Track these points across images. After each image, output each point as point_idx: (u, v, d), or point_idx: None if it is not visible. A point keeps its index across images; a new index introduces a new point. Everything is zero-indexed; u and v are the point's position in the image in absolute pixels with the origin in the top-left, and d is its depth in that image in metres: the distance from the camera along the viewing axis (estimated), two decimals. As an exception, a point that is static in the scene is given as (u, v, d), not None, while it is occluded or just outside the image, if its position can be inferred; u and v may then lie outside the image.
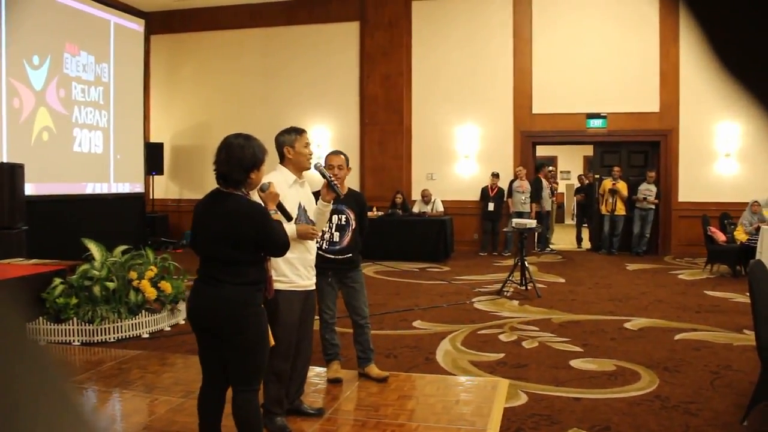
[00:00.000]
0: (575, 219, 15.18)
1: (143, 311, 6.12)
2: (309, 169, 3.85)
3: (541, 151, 14.67)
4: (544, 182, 13.31)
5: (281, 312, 3.54)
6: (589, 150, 15.25)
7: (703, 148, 12.04)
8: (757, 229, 9.41)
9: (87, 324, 5.82)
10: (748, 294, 4.03)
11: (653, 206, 12.12)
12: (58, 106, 10.59)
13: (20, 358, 0.41)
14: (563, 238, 15.07)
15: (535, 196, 12.58)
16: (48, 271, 6.27)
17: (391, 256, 11.08)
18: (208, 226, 3.03)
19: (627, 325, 6.53)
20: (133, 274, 6.19)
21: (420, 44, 13.04)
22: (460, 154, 12.95)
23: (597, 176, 13.12)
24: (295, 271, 3.68)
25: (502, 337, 6.03)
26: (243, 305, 2.95)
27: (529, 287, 8.24)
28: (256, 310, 3.00)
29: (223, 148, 3.05)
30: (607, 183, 12.34)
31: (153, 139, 14.15)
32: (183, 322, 6.45)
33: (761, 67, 0.53)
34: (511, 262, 9.63)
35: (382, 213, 11.89)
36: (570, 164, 21.41)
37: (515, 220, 9.15)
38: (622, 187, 12.23)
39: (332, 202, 3.84)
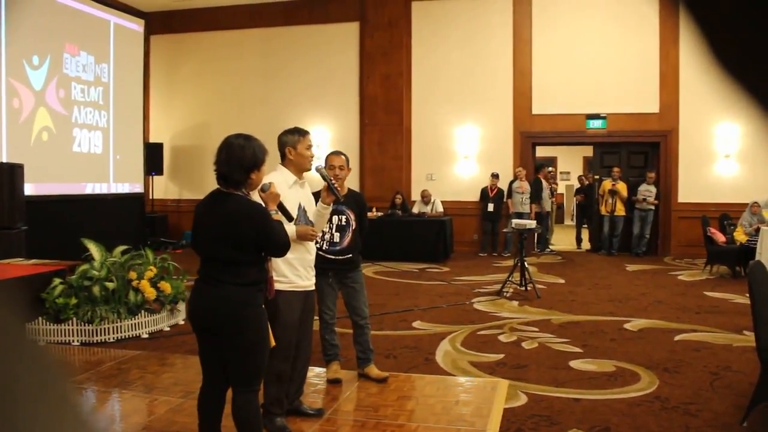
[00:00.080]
0: (575, 220, 15.17)
1: (143, 311, 6.12)
2: (309, 170, 3.85)
3: (541, 151, 14.67)
4: (544, 183, 13.31)
5: (281, 312, 3.54)
6: (588, 151, 15.25)
7: (703, 149, 12.04)
8: (757, 230, 9.41)
9: (86, 324, 5.82)
10: (747, 295, 4.03)
11: (653, 207, 12.12)
12: (58, 106, 10.59)
13: (19, 358, 0.41)
14: (563, 239, 15.07)
15: (535, 196, 12.59)
16: (47, 271, 6.27)
17: (390, 257, 11.08)
18: (208, 227, 3.03)
19: (627, 325, 6.52)
20: (133, 275, 6.19)
21: (420, 45, 13.04)
22: (459, 155, 12.95)
23: (597, 177, 13.12)
24: (294, 271, 3.68)
25: (502, 338, 6.03)
26: (243, 305, 2.95)
27: (528, 288, 8.24)
28: (256, 310, 3.00)
29: (223, 148, 3.05)
30: (607, 184, 12.34)
31: (152, 140, 14.15)
32: (182, 322, 6.45)
33: (761, 67, 0.52)
34: (510, 262, 9.63)
35: (382, 213, 11.89)
36: (570, 165, 21.41)
37: (515, 221, 9.15)
38: (622, 187, 12.24)
39: (332, 204, 3.85)
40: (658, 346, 5.71)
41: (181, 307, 6.52)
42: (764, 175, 11.53)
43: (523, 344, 5.80)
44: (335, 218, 4.47)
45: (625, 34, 12.15)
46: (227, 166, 3.00)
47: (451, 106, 12.86)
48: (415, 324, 6.59)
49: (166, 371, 5.06)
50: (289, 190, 3.64)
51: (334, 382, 4.64)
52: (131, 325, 6.00)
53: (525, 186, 12.27)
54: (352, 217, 4.54)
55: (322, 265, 4.22)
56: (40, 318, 5.84)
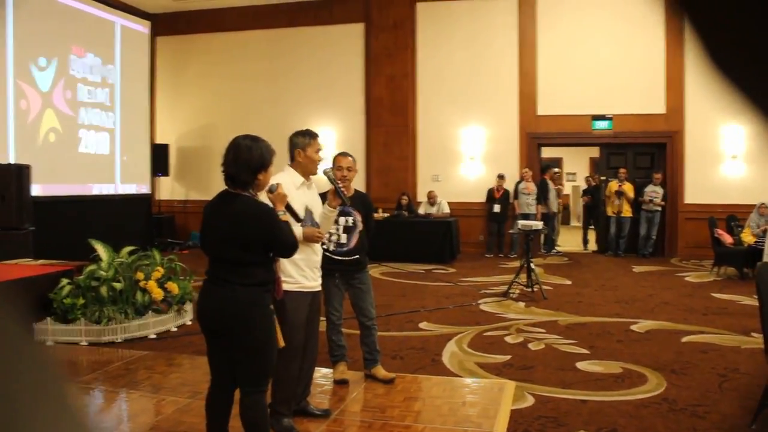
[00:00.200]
0: (581, 221, 15.15)
1: (150, 312, 6.13)
2: (316, 173, 3.86)
3: (547, 152, 14.64)
4: (550, 184, 13.29)
5: (288, 312, 3.54)
6: (595, 152, 15.21)
7: (710, 150, 12.00)
8: (765, 231, 9.38)
9: (94, 324, 5.84)
10: (755, 296, 4.01)
11: (659, 208, 12.08)
12: (65, 107, 10.63)
13: (18, 358, 0.41)
14: (569, 240, 15.05)
15: (542, 197, 12.57)
16: (55, 271, 6.29)
17: (396, 258, 11.08)
18: (216, 227, 3.04)
19: (634, 327, 6.51)
20: (140, 275, 6.20)
21: (425, 46, 13.04)
22: (465, 156, 12.94)
23: (603, 178, 13.09)
24: (300, 272, 3.69)
25: (509, 339, 6.02)
26: (251, 306, 2.96)
27: (535, 289, 8.23)
28: (264, 310, 3.01)
29: (231, 149, 3.06)
30: (613, 185, 12.31)
31: (159, 141, 14.18)
32: (190, 322, 6.47)
33: (758, 71, 0.52)
34: (517, 263, 9.61)
35: (388, 214, 11.88)
36: (576, 166, 21.37)
37: (521, 222, 9.14)
38: (629, 188, 12.21)
39: (338, 207, 3.85)
40: (665, 348, 5.69)
41: (189, 307, 6.53)
42: (771, 176, 11.51)
43: (530, 345, 5.79)
44: (342, 219, 4.47)
45: (631, 34, 12.13)
46: (235, 166, 3.01)
47: (456, 107, 12.86)
48: (422, 325, 6.59)
49: (174, 371, 5.08)
50: (296, 191, 3.65)
51: (340, 383, 4.64)
52: (139, 325, 6.02)
53: (531, 187, 12.25)
54: (358, 218, 4.54)
55: (329, 266, 4.22)
56: (47, 318, 5.86)
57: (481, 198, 12.64)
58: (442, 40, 12.95)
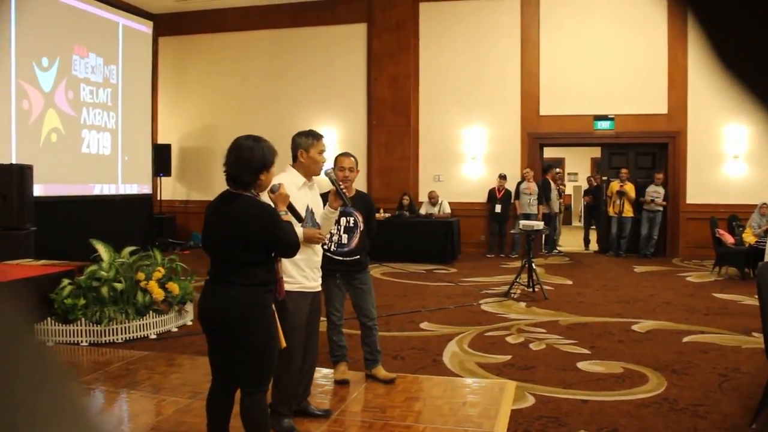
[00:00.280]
0: (583, 221, 15.14)
1: (151, 312, 6.13)
2: (319, 175, 3.86)
3: (549, 152, 14.63)
4: (552, 184, 13.29)
5: (288, 313, 3.54)
6: (596, 152, 15.21)
7: (712, 150, 12.00)
8: (766, 231, 9.37)
9: (95, 325, 5.84)
10: (756, 296, 4.01)
11: (661, 208, 12.08)
12: (67, 107, 10.64)
13: (22, 357, 0.41)
14: (571, 240, 15.04)
15: (544, 197, 12.58)
16: (56, 271, 6.30)
17: (398, 258, 11.08)
18: (218, 228, 3.04)
19: (635, 327, 6.51)
20: (141, 275, 6.21)
21: (427, 46, 13.04)
22: (467, 156, 12.94)
23: (604, 178, 13.09)
24: (301, 272, 3.69)
25: (510, 339, 6.02)
26: (252, 306, 2.96)
27: (536, 289, 8.23)
28: (265, 311, 3.01)
29: (233, 149, 3.06)
30: (615, 185, 12.31)
31: (161, 141, 14.20)
32: (190, 323, 6.48)
33: (764, 69, 0.52)
34: (518, 263, 9.61)
35: (389, 215, 11.88)
36: (577, 166, 21.37)
37: (522, 222, 9.14)
38: (630, 189, 12.20)
39: (339, 208, 3.85)
40: (666, 348, 5.69)
41: (189, 307, 6.54)
42: (773, 177, 11.50)
43: (531, 345, 5.79)
44: (343, 220, 4.47)
45: (633, 35, 12.12)
46: (236, 167, 3.01)
47: (458, 108, 12.86)
48: (423, 325, 6.59)
49: (174, 372, 5.08)
50: (297, 191, 3.65)
51: (341, 383, 4.64)
52: (139, 325, 6.02)
53: (533, 187, 12.25)
54: (360, 218, 4.54)
55: (329, 266, 4.23)
56: (48, 318, 5.87)
57: (483, 198, 12.64)
58: (445, 41, 12.95)
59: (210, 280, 3.06)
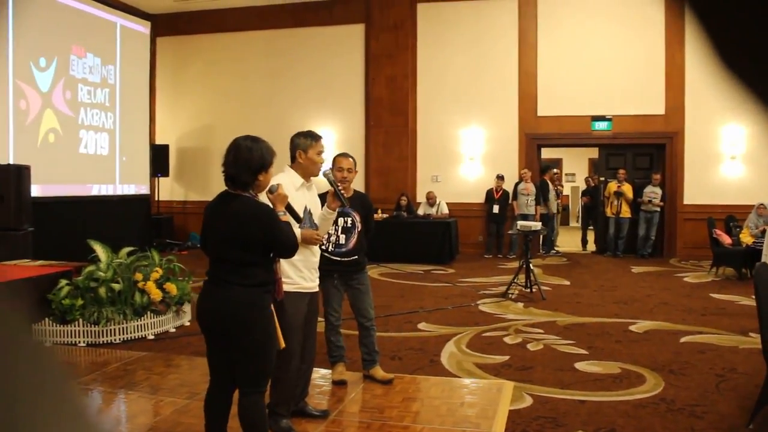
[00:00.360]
0: (580, 221, 15.17)
1: (148, 313, 6.13)
2: (317, 176, 3.86)
3: (546, 153, 14.65)
4: (550, 185, 13.30)
5: (286, 313, 3.54)
6: (594, 152, 15.23)
7: (709, 151, 12.02)
8: (763, 231, 9.37)
9: (92, 325, 5.84)
10: (753, 297, 4.02)
11: (658, 209, 12.10)
12: (65, 107, 10.63)
13: (21, 357, 0.41)
14: (568, 241, 15.05)
15: (542, 198, 12.59)
16: (54, 272, 6.29)
17: (395, 259, 11.08)
18: (216, 228, 3.04)
19: (632, 327, 6.51)
20: (139, 276, 6.20)
21: (425, 46, 13.05)
22: (465, 157, 12.95)
23: (602, 179, 13.10)
24: (299, 273, 3.69)
25: (507, 340, 6.02)
26: (250, 307, 2.96)
27: (534, 290, 8.23)
28: (263, 311, 3.01)
29: (231, 149, 3.06)
30: (612, 185, 12.32)
31: (158, 141, 14.18)
32: (188, 323, 6.47)
33: (762, 66, 0.53)
34: (515, 264, 9.62)
35: (387, 215, 11.89)
36: (575, 167, 21.39)
37: (520, 223, 9.15)
38: (627, 189, 12.22)
39: (337, 209, 3.85)
40: (663, 348, 5.70)
41: (187, 308, 6.54)
42: (770, 177, 11.52)
43: (529, 346, 5.80)
44: (341, 220, 4.47)
45: (631, 35, 12.14)
46: (235, 167, 3.01)
47: (456, 108, 12.87)
48: (421, 326, 6.59)
49: (172, 372, 5.08)
50: (295, 192, 3.64)
51: (339, 384, 4.65)
52: (137, 326, 6.02)
53: (530, 188, 12.25)
54: (357, 219, 4.54)
55: (327, 266, 4.23)
56: (46, 319, 5.86)
57: (480, 199, 12.65)
58: (443, 41, 12.95)
59: (209, 281, 3.06)
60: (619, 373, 4.96)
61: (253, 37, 13.99)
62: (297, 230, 3.42)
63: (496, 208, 12.27)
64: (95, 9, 11.50)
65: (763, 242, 9.09)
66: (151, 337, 6.06)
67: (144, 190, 12.98)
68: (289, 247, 3.07)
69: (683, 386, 4.64)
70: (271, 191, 3.22)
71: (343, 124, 13.41)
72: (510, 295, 8.14)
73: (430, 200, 12.31)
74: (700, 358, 5.40)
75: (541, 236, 12.15)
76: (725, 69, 0.53)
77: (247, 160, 3.00)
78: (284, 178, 3.63)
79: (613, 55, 12.20)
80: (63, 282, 6.03)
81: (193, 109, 14.48)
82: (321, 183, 3.82)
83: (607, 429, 3.84)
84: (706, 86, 11.22)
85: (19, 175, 8.15)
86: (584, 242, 14.02)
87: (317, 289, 3.89)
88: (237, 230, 2.97)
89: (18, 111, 9.63)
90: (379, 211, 11.47)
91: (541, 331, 6.37)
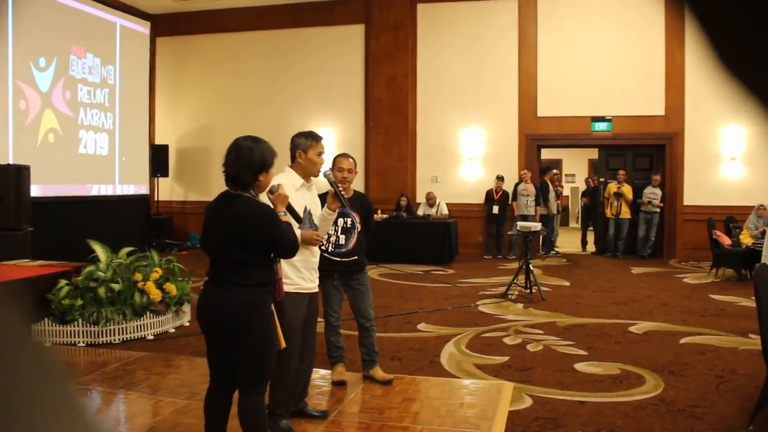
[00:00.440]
0: (580, 222, 15.17)
1: (148, 313, 6.13)
2: (317, 176, 3.86)
3: (546, 154, 14.65)
4: (550, 185, 13.30)
5: (285, 314, 3.54)
6: (594, 153, 15.23)
7: (709, 152, 12.02)
8: (763, 232, 9.38)
9: (92, 325, 5.83)
10: (753, 298, 4.02)
11: (658, 209, 12.10)
12: (64, 108, 10.63)
13: (20, 359, 0.41)
14: (568, 242, 15.05)
15: (542, 199, 12.59)
16: (53, 272, 6.29)
17: (395, 259, 11.07)
18: (217, 228, 3.04)
19: (632, 328, 6.51)
20: (138, 276, 6.20)
21: (425, 47, 13.05)
22: (464, 157, 12.94)
23: (602, 179, 13.10)
24: (298, 273, 3.68)
25: (507, 341, 6.02)
26: (250, 307, 2.96)
27: (533, 290, 8.23)
28: (263, 311, 3.01)
29: (232, 150, 3.06)
30: (612, 186, 12.32)
31: (158, 141, 14.18)
32: (188, 323, 6.47)
33: (764, 70, 0.52)
34: (515, 265, 9.62)
35: (387, 216, 11.88)
36: (575, 167, 21.39)
37: (520, 223, 9.15)
38: (627, 190, 12.22)
39: (337, 209, 3.85)
40: (663, 349, 5.70)
41: (187, 308, 6.54)
42: (770, 178, 11.52)
43: (528, 347, 5.79)
44: (340, 220, 4.47)
45: (631, 36, 12.14)
46: (236, 167, 3.01)
47: (456, 109, 12.87)
48: (420, 326, 6.59)
49: (172, 373, 5.08)
50: (295, 192, 3.64)
51: (338, 384, 4.64)
52: (136, 326, 6.01)
53: (530, 188, 12.25)
54: (357, 219, 4.54)
55: (327, 267, 4.23)
56: (45, 319, 5.86)
57: (480, 199, 12.65)
58: (443, 42, 12.95)
59: (209, 281, 3.05)
60: (619, 374, 4.96)
61: (253, 37, 13.99)
62: (297, 231, 3.42)
63: (495, 209, 12.27)
64: (95, 9, 11.50)
65: (762, 243, 9.09)
66: (151, 337, 6.06)
67: (143, 190, 12.98)
68: (290, 248, 3.07)
69: (683, 387, 4.63)
70: (271, 191, 3.22)
71: (343, 125, 13.41)
72: (510, 296, 8.14)
73: (430, 201, 12.30)
74: (700, 359, 5.40)
75: (541, 237, 12.16)
76: (724, 70, 0.53)
77: (247, 160, 3.00)
78: (284, 179, 3.62)
79: (613, 55, 12.20)
80: (62, 282, 6.03)
81: (193, 110, 14.48)
82: (321, 183, 3.82)
83: (607, 430, 3.83)
84: (706, 87, 11.22)
85: (18, 175, 8.14)
86: (584, 243, 14.02)
87: (317, 290, 3.88)
88: (237, 230, 2.97)
89: (18, 111, 9.63)
90: (379, 212, 11.47)
91: (541, 331, 6.37)
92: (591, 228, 14.09)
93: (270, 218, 3.02)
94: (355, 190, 4.60)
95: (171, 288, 6.33)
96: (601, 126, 12.36)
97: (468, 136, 12.86)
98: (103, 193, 11.70)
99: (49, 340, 5.82)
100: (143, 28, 13.02)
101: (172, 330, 6.31)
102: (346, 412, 4.22)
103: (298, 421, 3.89)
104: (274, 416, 3.66)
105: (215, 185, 3.14)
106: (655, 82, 12.07)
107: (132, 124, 12.39)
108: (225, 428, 3.17)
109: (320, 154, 3.79)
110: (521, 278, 8.37)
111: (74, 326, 5.84)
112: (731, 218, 10.74)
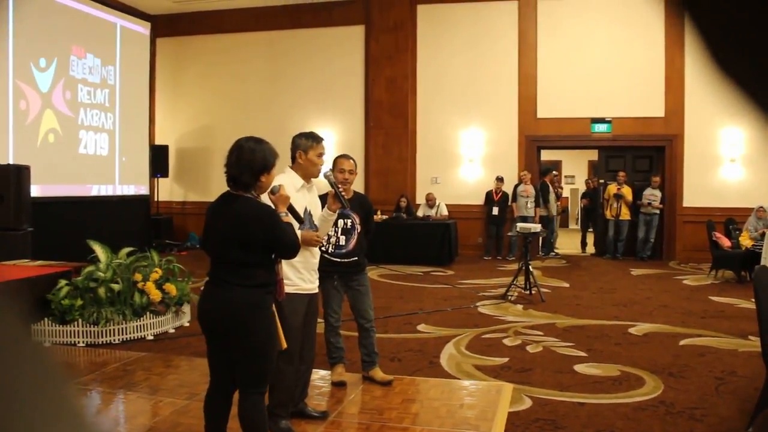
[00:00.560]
0: (580, 224, 15.17)
1: (148, 313, 6.13)
2: (317, 177, 3.86)
3: (546, 155, 14.65)
4: (550, 187, 13.30)
5: (286, 315, 3.54)
6: (594, 155, 15.23)
7: (708, 154, 12.02)
8: (763, 234, 9.38)
9: (92, 325, 5.83)
10: (753, 300, 4.02)
11: (658, 211, 12.10)
12: (64, 108, 10.63)
13: (19, 359, 0.41)
14: (568, 243, 15.05)
15: (543, 200, 12.59)
16: (53, 272, 6.29)
17: (395, 260, 11.07)
18: (218, 228, 3.04)
19: (631, 330, 6.51)
20: (138, 276, 6.20)
21: (425, 48, 13.05)
22: (464, 158, 12.95)
23: (602, 181, 13.10)
24: (298, 274, 3.68)
25: (507, 342, 6.02)
26: (251, 307, 2.96)
27: (533, 292, 8.23)
28: (264, 312, 3.01)
29: (234, 150, 3.06)
30: (612, 188, 12.33)
31: (158, 142, 14.18)
32: (187, 324, 6.47)
33: (762, 73, 0.53)
34: (515, 266, 9.62)
35: (387, 216, 11.88)
36: (575, 169, 21.38)
37: (519, 225, 9.15)
38: (627, 192, 12.22)
39: (338, 210, 3.85)
40: (663, 351, 5.70)
41: (186, 309, 6.54)
42: (770, 180, 11.52)
43: (528, 348, 5.79)
44: (340, 221, 4.47)
45: (631, 38, 12.15)
46: (237, 168, 3.01)
47: (456, 110, 12.87)
48: (420, 327, 6.59)
49: (171, 373, 5.07)
50: (296, 193, 3.64)
51: (338, 385, 4.64)
52: (136, 326, 6.01)
53: (530, 190, 12.25)
54: (357, 220, 4.54)
55: (327, 268, 4.23)
56: (45, 319, 5.86)
57: (480, 200, 12.65)
58: (443, 43, 12.96)
59: (210, 282, 3.05)
60: (619, 376, 4.96)
61: (253, 38, 14.00)
62: (298, 231, 3.42)
63: (495, 210, 12.27)
64: (95, 10, 11.50)
65: (762, 245, 9.09)
66: (151, 337, 6.06)
67: (143, 190, 12.97)
68: (291, 248, 3.07)
69: (683, 389, 4.63)
70: (273, 192, 3.22)
71: (343, 126, 13.41)
72: (509, 297, 8.14)
73: (430, 202, 12.30)
74: (700, 361, 5.40)
75: (541, 238, 12.16)
76: (722, 72, 0.53)
77: (249, 161, 3.00)
78: (285, 179, 3.62)
79: (612, 57, 12.20)
80: (62, 282, 6.03)
81: (193, 110, 14.48)
82: (321, 184, 3.82)
83: (607, 431, 3.83)
84: (706, 89, 11.21)
85: (18, 175, 8.14)
86: (584, 244, 14.02)
87: (317, 291, 3.88)
88: (238, 231, 2.97)
89: (18, 111, 9.63)
90: (379, 213, 11.46)
91: (541, 333, 6.37)
92: (591, 229, 14.08)
93: (271, 219, 3.02)
94: (355, 191, 4.60)
95: (171, 288, 6.33)
96: (600, 127, 12.37)
97: (468, 137, 12.86)
98: (103, 193, 11.70)
99: (49, 340, 5.82)
100: (143, 29, 13.03)
101: (172, 330, 6.31)
102: (345, 412, 4.22)
103: (297, 421, 3.89)
104: (274, 417, 3.65)
105: (215, 186, 3.15)
106: (655, 83, 12.08)
107: (132, 124, 12.39)
108: (225, 429, 3.17)
109: (321, 155, 3.79)
110: (521, 279, 8.37)
111: (74, 326, 5.84)
112: (731, 220, 10.75)
